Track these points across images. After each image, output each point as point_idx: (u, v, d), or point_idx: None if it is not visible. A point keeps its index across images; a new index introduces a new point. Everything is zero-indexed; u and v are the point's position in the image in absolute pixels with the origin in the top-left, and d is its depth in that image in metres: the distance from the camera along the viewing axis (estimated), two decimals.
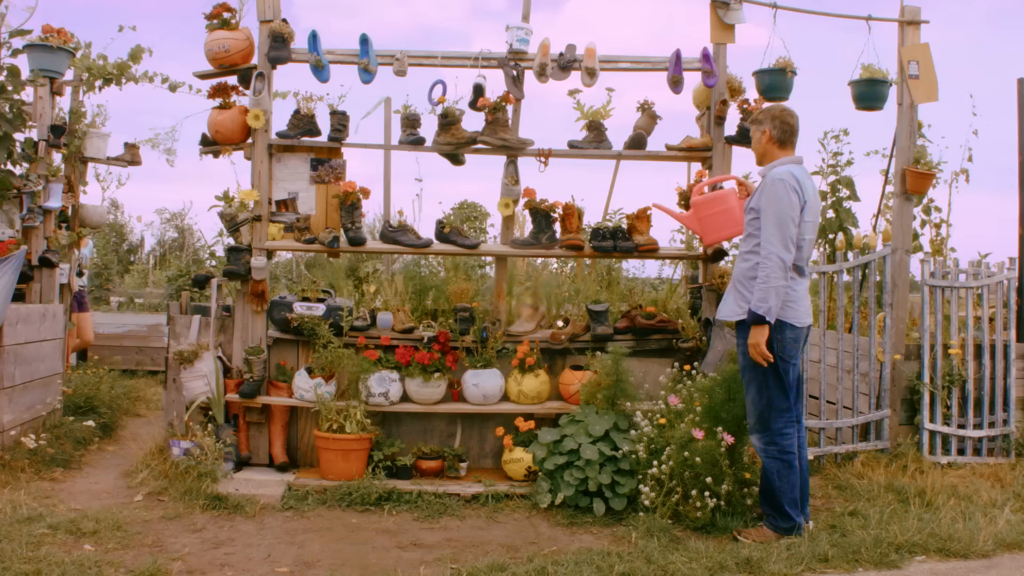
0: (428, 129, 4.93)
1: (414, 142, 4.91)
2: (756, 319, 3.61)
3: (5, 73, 4.98)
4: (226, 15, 4.85)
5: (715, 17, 4.95)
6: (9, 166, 5.34)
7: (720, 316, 3.96)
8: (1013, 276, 5.45)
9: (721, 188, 4.57)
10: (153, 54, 6.36)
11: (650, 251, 4.91)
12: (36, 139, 5.66)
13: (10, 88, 4.93)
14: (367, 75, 4.84)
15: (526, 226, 5.09)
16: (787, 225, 3.59)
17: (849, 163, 6.90)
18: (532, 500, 4.28)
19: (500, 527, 4.00)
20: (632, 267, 7.31)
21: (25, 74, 5.32)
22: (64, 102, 6.30)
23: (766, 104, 4.69)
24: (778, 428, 3.74)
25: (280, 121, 4.91)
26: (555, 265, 6.95)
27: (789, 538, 3.69)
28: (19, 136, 5.39)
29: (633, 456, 4.13)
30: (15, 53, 5.42)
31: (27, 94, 5.51)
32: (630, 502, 4.12)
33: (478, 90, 4.84)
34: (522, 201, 4.93)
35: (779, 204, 3.61)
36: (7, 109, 4.93)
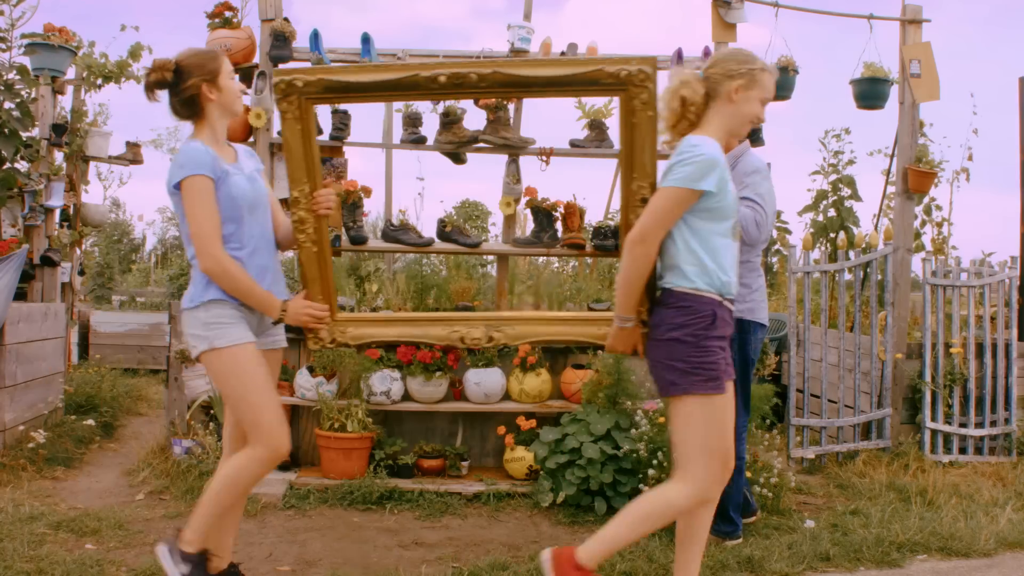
0: (429, 128, 4.93)
1: (415, 141, 4.90)
2: None
3: (15, 72, 4.99)
4: (228, 14, 4.85)
5: (716, 16, 4.94)
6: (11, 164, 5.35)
7: None
8: (1015, 275, 5.45)
9: None
10: (154, 52, 6.36)
11: None
12: (38, 137, 5.67)
13: (19, 87, 4.94)
14: None
15: (528, 225, 5.08)
16: None
17: (851, 162, 6.91)
18: (534, 499, 4.28)
19: (502, 526, 4.00)
20: None
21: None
22: (66, 101, 6.31)
23: None
24: (736, 433, 3.70)
25: None
26: (556, 264, 6.95)
27: (731, 541, 3.66)
28: (23, 135, 5.40)
29: (634, 455, 4.13)
30: (27, 52, 5.44)
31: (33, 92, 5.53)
32: (631, 501, 4.12)
33: None
34: (524, 200, 4.93)
35: None
36: (14, 107, 4.94)
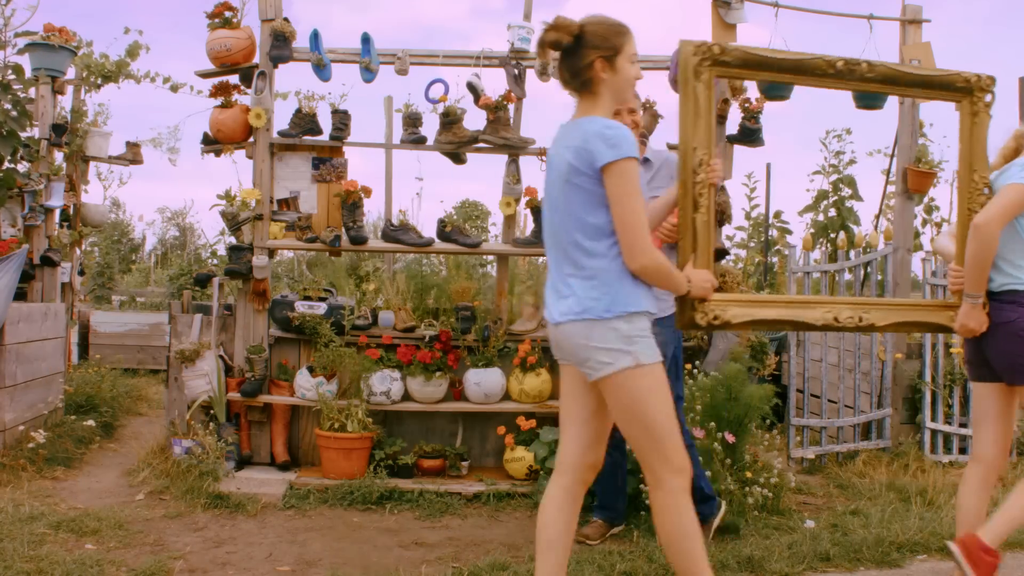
0: (429, 128, 4.92)
1: (415, 141, 4.90)
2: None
3: (10, 72, 4.99)
4: (227, 14, 4.85)
5: (716, 16, 4.94)
6: (10, 164, 5.35)
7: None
8: None
9: None
10: (151, 51, 6.37)
11: None
12: (38, 138, 5.67)
13: (16, 87, 4.94)
14: (369, 74, 4.83)
15: (527, 225, 5.08)
16: None
17: (852, 162, 6.92)
18: (534, 499, 4.28)
19: (502, 526, 4.00)
20: None
21: (27, 73, 5.33)
22: (66, 101, 6.31)
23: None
24: (682, 419, 3.69)
25: (282, 120, 4.91)
26: None
27: (713, 521, 3.66)
28: (21, 134, 5.41)
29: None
30: (22, 51, 5.44)
31: (29, 92, 5.53)
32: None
33: (471, 88, 4.84)
34: (524, 200, 4.93)
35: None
36: (11, 107, 4.94)
